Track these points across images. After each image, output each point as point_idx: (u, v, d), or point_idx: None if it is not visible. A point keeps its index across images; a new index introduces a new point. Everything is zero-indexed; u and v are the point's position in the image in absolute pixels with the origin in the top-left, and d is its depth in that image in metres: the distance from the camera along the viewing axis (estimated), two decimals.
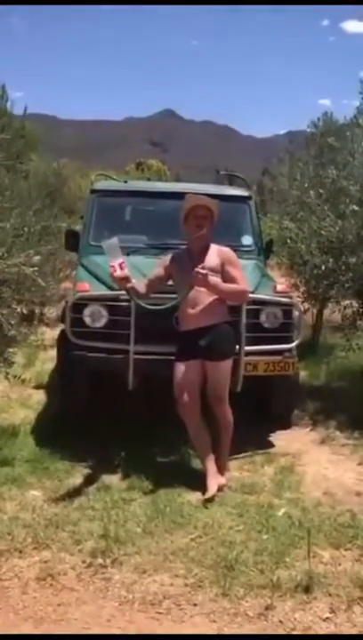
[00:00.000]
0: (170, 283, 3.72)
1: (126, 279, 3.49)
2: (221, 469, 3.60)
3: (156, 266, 3.74)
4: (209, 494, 3.35)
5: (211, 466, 3.53)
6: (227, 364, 3.59)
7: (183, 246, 3.82)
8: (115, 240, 3.51)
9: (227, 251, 3.69)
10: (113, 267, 3.46)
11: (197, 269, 3.43)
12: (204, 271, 3.43)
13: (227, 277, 3.59)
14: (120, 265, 3.45)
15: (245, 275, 3.77)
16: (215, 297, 3.55)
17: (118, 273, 3.45)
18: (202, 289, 3.51)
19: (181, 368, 3.57)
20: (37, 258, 3.83)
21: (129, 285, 3.52)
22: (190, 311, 3.56)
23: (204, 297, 3.53)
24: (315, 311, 6.65)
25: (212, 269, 3.51)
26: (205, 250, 3.62)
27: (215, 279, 3.51)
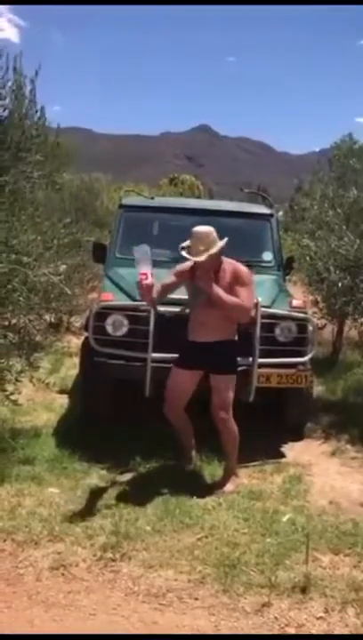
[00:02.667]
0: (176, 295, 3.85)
1: (151, 289, 3.58)
2: (227, 477, 3.77)
3: (169, 273, 3.82)
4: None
5: (188, 446, 3.96)
6: (231, 378, 3.70)
7: None
8: (146, 248, 3.59)
9: (240, 270, 3.68)
10: (143, 274, 3.52)
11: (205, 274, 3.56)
12: (200, 259, 3.50)
13: (234, 295, 3.63)
14: (148, 274, 3.53)
15: (262, 291, 3.88)
16: (223, 315, 3.63)
17: (146, 281, 3.52)
18: (211, 310, 3.60)
19: (178, 374, 3.74)
20: (64, 267, 4.04)
21: (152, 297, 3.63)
22: (200, 325, 3.69)
23: (214, 314, 3.62)
24: (335, 328, 6.74)
25: (225, 288, 3.60)
26: (219, 268, 3.66)
27: (220, 290, 3.57)
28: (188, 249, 3.61)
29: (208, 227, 3.63)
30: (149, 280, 3.53)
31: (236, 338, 3.76)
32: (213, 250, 3.55)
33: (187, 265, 3.70)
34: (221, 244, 3.58)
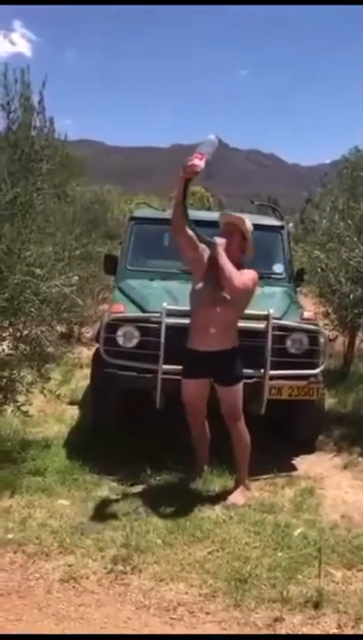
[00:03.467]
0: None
1: (195, 172, 3.45)
2: (237, 487, 3.76)
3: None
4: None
5: (203, 456, 3.95)
6: (238, 387, 3.70)
7: None
8: (215, 139, 3.54)
9: (249, 272, 3.69)
10: (199, 154, 3.41)
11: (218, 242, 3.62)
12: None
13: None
14: (204, 157, 3.42)
15: (272, 301, 3.87)
16: (225, 321, 3.63)
17: (195, 162, 3.41)
18: (218, 307, 3.59)
19: (188, 385, 3.74)
20: (76, 279, 4.06)
21: (187, 176, 3.49)
22: (200, 331, 3.65)
23: (214, 318, 3.60)
24: (346, 340, 6.71)
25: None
26: (237, 267, 3.64)
27: (226, 259, 3.58)
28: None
29: None
30: (201, 162, 3.42)
31: (237, 344, 3.72)
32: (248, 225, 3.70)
33: (223, 241, 3.68)
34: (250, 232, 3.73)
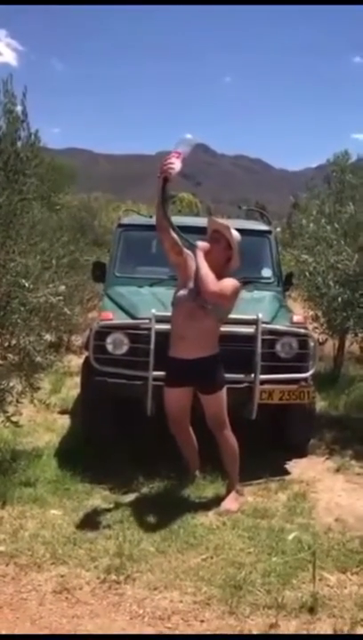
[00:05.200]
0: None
1: (171, 171, 3.45)
2: (229, 492, 3.75)
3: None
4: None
5: (193, 463, 3.96)
6: (221, 394, 3.67)
7: None
8: (192, 138, 3.54)
9: (228, 279, 3.61)
10: (176, 153, 3.42)
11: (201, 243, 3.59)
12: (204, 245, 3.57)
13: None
14: (180, 155, 3.42)
15: (261, 305, 3.86)
16: (203, 330, 3.57)
17: (173, 160, 3.43)
18: (198, 316, 3.54)
19: (170, 393, 3.73)
20: (63, 288, 4.04)
21: (164, 176, 3.48)
22: (179, 339, 3.62)
23: (192, 328, 3.57)
24: (336, 343, 6.73)
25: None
26: (219, 276, 3.58)
27: (203, 261, 3.55)
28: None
29: None
30: (177, 161, 3.43)
31: (217, 351, 3.67)
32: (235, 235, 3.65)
33: (206, 245, 3.64)
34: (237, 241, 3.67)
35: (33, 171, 3.90)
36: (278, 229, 11.06)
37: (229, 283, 3.59)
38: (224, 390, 3.69)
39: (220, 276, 3.58)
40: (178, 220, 6.76)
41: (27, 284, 3.80)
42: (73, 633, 2.50)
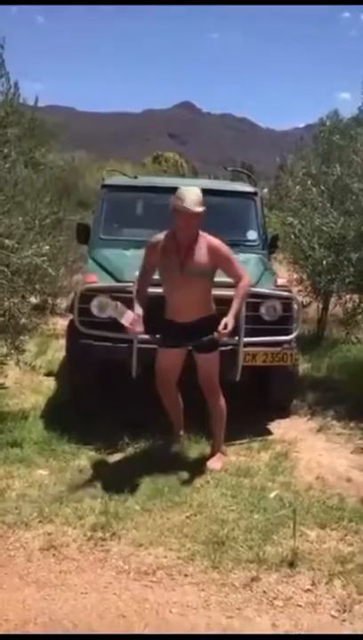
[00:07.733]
0: None
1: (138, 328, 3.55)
2: (214, 454, 3.82)
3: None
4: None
5: (178, 423, 3.98)
6: (215, 355, 3.71)
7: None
8: (115, 305, 3.60)
9: (217, 247, 3.59)
10: (129, 326, 3.51)
11: (220, 331, 3.47)
12: (224, 331, 3.47)
13: (228, 274, 3.65)
14: (132, 320, 3.51)
15: (246, 268, 3.86)
16: (200, 295, 3.60)
17: (136, 328, 3.53)
18: (189, 285, 3.55)
19: (166, 354, 3.75)
20: (47, 248, 4.00)
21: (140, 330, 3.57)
22: (176, 307, 3.64)
23: (191, 293, 3.58)
24: (320, 305, 6.77)
25: (201, 265, 3.54)
26: (194, 241, 3.57)
27: (231, 319, 3.50)
28: (177, 205, 3.50)
29: None
30: (136, 325, 3.51)
31: (214, 311, 3.68)
32: (202, 208, 3.51)
33: (159, 237, 3.63)
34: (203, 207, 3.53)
35: (14, 127, 3.81)
36: (265, 190, 10.95)
37: (233, 260, 3.64)
38: (218, 352, 3.72)
39: (194, 239, 3.57)
40: (165, 180, 6.70)
41: (10, 245, 3.76)
42: (61, 587, 2.57)
